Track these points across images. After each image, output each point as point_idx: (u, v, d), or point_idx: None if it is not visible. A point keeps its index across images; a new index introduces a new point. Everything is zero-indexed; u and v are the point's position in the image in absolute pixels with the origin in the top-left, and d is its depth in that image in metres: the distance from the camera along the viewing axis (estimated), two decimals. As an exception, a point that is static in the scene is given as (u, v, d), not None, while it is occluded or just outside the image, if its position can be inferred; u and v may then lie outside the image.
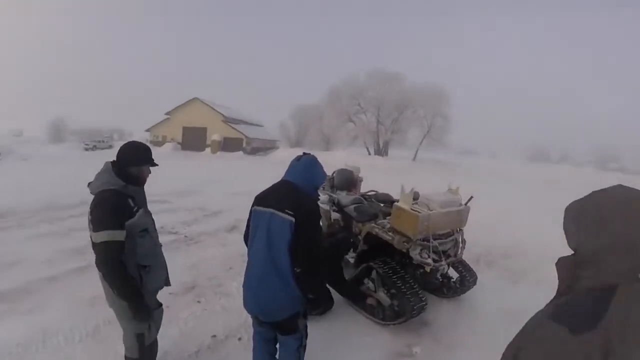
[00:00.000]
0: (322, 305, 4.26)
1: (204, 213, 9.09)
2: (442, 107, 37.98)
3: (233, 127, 42.73)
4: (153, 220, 2.85)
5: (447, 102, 38.27)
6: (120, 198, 2.49)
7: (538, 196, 16.73)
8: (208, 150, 41.06)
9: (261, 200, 2.62)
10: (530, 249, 7.30)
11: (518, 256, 6.95)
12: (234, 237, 7.09)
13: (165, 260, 2.96)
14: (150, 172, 2.78)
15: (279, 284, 2.42)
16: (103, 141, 43.94)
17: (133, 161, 2.64)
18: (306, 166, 2.66)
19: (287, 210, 2.40)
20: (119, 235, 2.41)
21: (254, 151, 40.71)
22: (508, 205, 12.88)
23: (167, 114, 46.27)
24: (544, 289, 5.43)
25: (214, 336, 3.77)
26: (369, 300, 4.32)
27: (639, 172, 48.79)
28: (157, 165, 2.75)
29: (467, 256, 5.45)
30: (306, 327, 2.71)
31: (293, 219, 2.37)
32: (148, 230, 2.66)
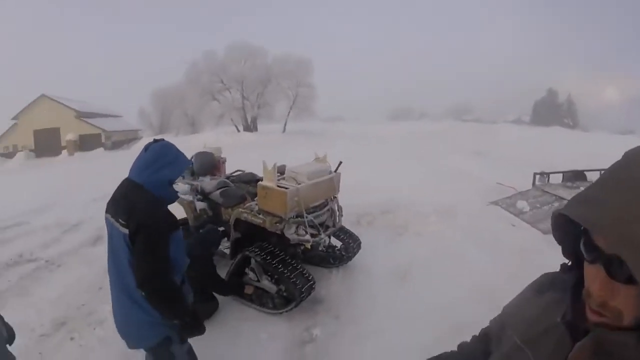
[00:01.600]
0: (206, 309, 3.87)
1: (63, 229, 8.05)
2: (305, 77, 38.14)
3: (88, 123, 38.86)
4: None
5: (310, 71, 38.50)
6: None
7: (402, 151, 17.64)
8: (65, 153, 37.10)
9: (108, 204, 2.19)
10: (405, 202, 7.55)
11: (396, 211, 7.15)
12: (99, 250, 6.24)
13: None
14: None
15: (132, 307, 2.06)
16: None
17: None
18: (154, 156, 2.13)
19: (120, 220, 2.00)
20: None
21: (116, 145, 37.63)
22: (376, 164, 13.31)
23: (13, 118, 40.61)
24: (425, 241, 5.63)
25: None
26: (246, 290, 4.03)
27: (492, 121, 54.61)
28: None
29: (347, 219, 5.41)
30: (189, 352, 2.35)
31: (127, 230, 1.98)
32: None
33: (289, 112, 38.16)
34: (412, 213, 6.88)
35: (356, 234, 4.97)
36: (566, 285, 0.86)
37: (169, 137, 34.40)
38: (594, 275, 0.70)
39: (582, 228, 0.71)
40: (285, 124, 38.29)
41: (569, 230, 0.78)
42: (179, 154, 2.22)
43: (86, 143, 37.23)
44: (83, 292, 4.87)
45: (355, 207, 6.95)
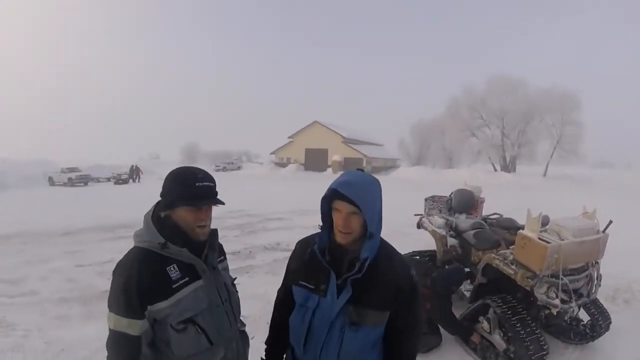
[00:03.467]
0: (428, 341, 3.87)
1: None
2: (572, 112, 34.68)
3: (353, 148, 43.82)
4: (227, 284, 1.79)
5: (577, 107, 34.82)
6: (149, 264, 1.53)
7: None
8: (330, 170, 42.05)
9: None
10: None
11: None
12: None
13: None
14: (208, 219, 1.66)
15: None
16: (232, 163, 48.40)
17: (174, 199, 1.58)
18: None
19: None
20: (129, 326, 1.49)
21: (375, 170, 41.10)
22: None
23: (290, 137, 49.29)
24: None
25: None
26: (473, 337, 3.85)
27: None
28: (221, 203, 1.65)
29: (601, 291, 4.63)
30: None
31: None
32: (195, 321, 1.57)
33: (552, 153, 35.05)
34: None
35: (608, 310, 4.20)
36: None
37: (425, 169, 35.32)
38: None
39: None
40: (547, 167, 35.43)
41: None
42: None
43: (349, 165, 41.78)
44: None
45: (613, 278, 5.91)
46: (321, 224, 1.58)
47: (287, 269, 1.72)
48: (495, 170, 36.32)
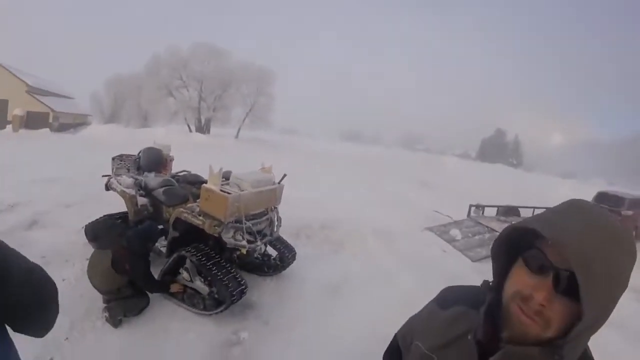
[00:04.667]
0: (136, 304, 3.88)
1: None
2: (266, 86, 38.00)
3: (38, 100, 36.19)
4: None
5: (272, 81, 38.42)
6: None
7: (350, 172, 17.98)
8: (9, 128, 34.20)
9: None
10: (346, 221, 7.76)
11: (336, 228, 7.31)
12: (33, 234, 6.01)
13: None
14: None
15: None
16: None
17: None
18: None
19: None
20: None
21: (63, 128, 35.36)
22: (324, 182, 13.52)
23: None
24: (360, 259, 5.84)
25: None
26: (174, 288, 4.06)
27: (440, 152, 56.79)
28: None
29: (286, 231, 5.54)
30: None
31: None
32: None
33: (245, 119, 37.75)
34: (351, 232, 7.09)
35: (294, 246, 5.08)
36: (470, 300, 1.01)
37: (118, 128, 32.95)
38: (538, 285, 0.79)
39: (535, 244, 0.82)
40: (239, 130, 37.93)
41: (509, 246, 0.90)
42: None
43: (33, 121, 34.46)
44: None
45: (296, 220, 7.08)
46: None
47: None
48: (191, 131, 36.98)
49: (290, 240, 5.20)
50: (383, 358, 1.40)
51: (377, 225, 7.70)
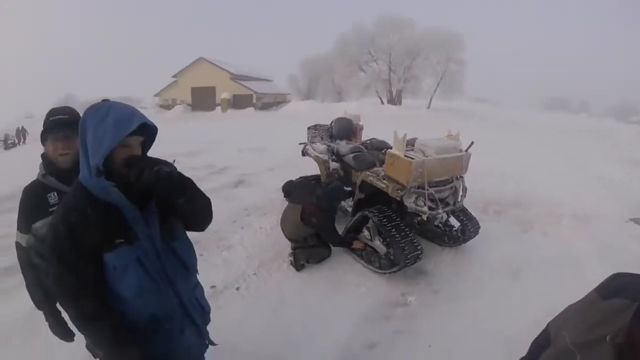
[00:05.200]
0: (318, 254, 4.33)
1: (211, 171, 9.07)
2: (456, 52, 35.92)
3: (242, 84, 41.70)
4: None
5: (461, 47, 36.13)
6: (33, 191, 1.93)
7: (554, 145, 16.26)
8: (218, 109, 40.35)
9: None
10: (540, 199, 7.11)
11: (527, 206, 6.74)
12: (239, 191, 7.14)
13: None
14: (68, 149, 1.88)
15: None
16: (110, 109, 43.45)
17: (40, 136, 1.93)
18: None
19: None
20: (20, 238, 1.94)
21: (265, 106, 40.12)
22: (520, 155, 12.44)
23: (174, 76, 45.20)
24: (550, 242, 5.34)
25: (213, 287, 3.80)
26: (355, 244, 4.36)
27: None
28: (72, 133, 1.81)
29: (474, 205, 5.38)
30: None
31: None
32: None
33: (436, 89, 36.63)
34: (543, 211, 6.45)
35: (480, 221, 4.86)
36: (636, 295, 0.88)
37: (314, 103, 35.18)
38: None
39: None
40: (430, 100, 36.91)
41: None
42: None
43: (238, 102, 40.23)
44: (219, 222, 5.37)
45: (486, 193, 6.84)
46: None
47: None
48: (383, 103, 37.43)
49: (476, 214, 4.97)
50: (530, 346, 1.28)
51: (575, 207, 6.86)
